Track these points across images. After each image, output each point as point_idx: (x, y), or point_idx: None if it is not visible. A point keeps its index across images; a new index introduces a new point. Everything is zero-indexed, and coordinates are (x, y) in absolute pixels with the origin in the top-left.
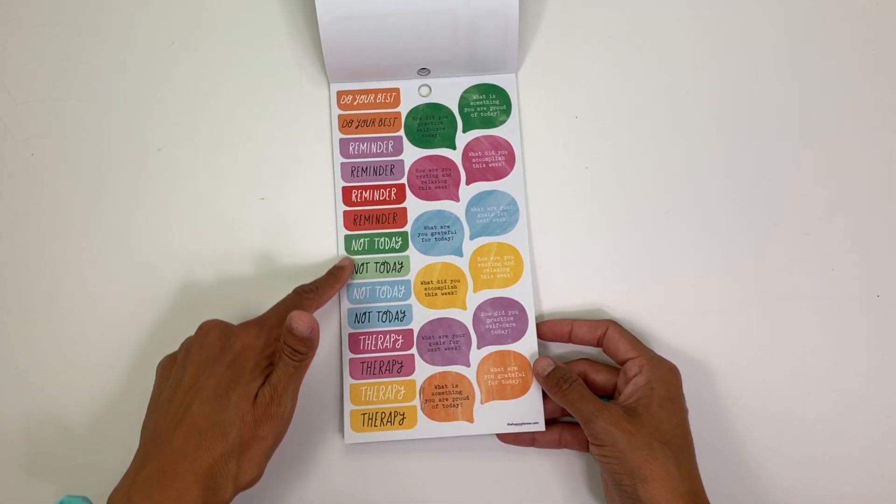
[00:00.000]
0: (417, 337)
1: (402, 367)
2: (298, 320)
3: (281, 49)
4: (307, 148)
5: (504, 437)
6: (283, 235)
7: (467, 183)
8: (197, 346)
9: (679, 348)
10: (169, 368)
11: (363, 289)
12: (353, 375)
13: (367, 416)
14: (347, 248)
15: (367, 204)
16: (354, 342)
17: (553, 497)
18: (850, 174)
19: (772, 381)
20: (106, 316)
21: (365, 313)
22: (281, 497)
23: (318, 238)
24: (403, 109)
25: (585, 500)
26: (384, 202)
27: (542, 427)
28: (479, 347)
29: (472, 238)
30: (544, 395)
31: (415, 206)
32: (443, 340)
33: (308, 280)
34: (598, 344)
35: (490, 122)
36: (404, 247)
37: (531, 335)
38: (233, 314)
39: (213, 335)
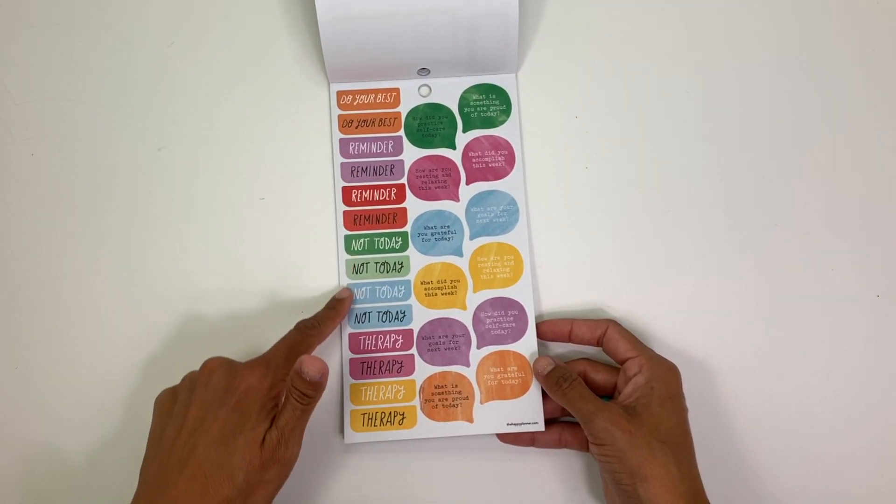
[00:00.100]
0: (417, 337)
1: (401, 367)
2: (310, 365)
3: (281, 49)
4: (307, 148)
5: (504, 437)
6: (283, 235)
7: (467, 183)
8: (201, 385)
9: (679, 348)
10: (169, 405)
11: (363, 289)
12: (353, 375)
13: (366, 415)
14: (347, 248)
15: (367, 204)
16: (354, 342)
17: (553, 497)
18: (850, 174)
19: (772, 380)
20: (107, 316)
21: (365, 313)
22: (281, 497)
23: (318, 238)
24: (403, 109)
25: (585, 500)
26: (384, 202)
27: (541, 427)
28: (478, 347)
29: (471, 238)
30: (544, 394)
31: (415, 206)
32: (443, 340)
33: (308, 280)
34: (598, 343)
35: (490, 122)
36: (404, 247)
37: (531, 335)
38: (232, 314)
39: (218, 374)
